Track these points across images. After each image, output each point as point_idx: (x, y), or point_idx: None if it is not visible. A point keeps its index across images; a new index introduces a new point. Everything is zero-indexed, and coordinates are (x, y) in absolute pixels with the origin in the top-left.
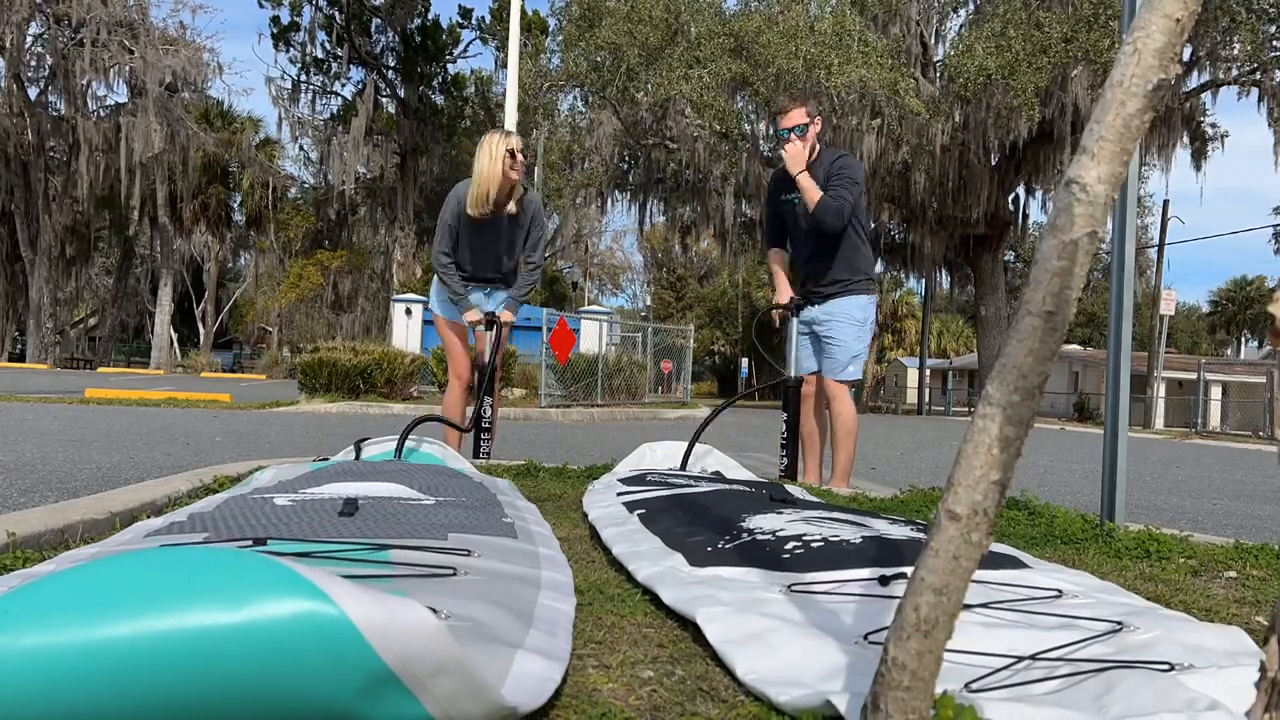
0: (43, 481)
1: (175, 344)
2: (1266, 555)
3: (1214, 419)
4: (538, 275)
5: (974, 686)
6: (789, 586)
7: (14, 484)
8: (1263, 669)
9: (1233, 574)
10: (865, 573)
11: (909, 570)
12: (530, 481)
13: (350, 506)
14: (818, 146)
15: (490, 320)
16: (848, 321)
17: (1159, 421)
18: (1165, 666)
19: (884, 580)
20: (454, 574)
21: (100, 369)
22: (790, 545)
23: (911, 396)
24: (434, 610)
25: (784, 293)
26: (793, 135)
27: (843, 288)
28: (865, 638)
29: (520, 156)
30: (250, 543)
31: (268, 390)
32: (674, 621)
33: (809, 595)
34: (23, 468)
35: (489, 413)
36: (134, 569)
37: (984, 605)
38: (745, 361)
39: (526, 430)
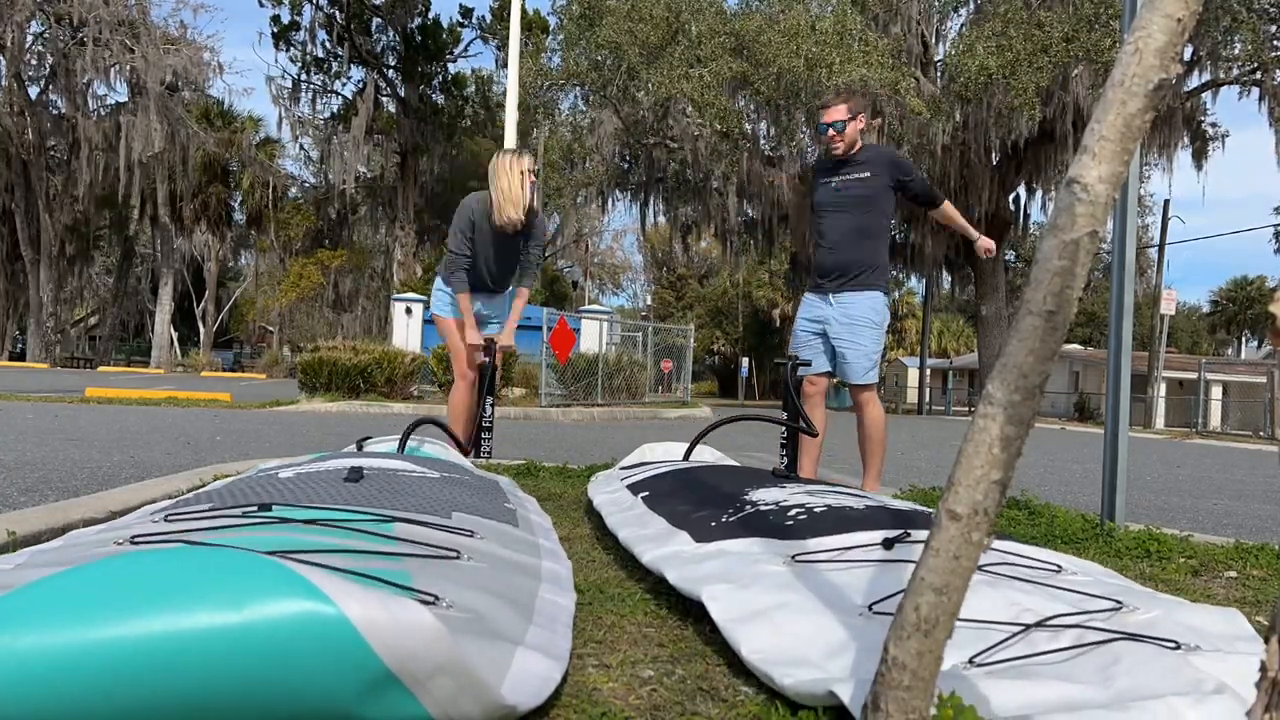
0: (43, 480)
1: (175, 343)
2: (1266, 555)
3: (1214, 419)
4: (529, 285)
5: (977, 660)
6: (793, 557)
7: (14, 483)
8: (1263, 669)
9: (1233, 574)
10: (869, 536)
11: (914, 533)
12: (530, 481)
13: (356, 473)
14: (859, 141)
15: (488, 346)
16: (866, 325)
17: (1159, 421)
18: (1172, 645)
19: (888, 543)
20: (458, 557)
21: (100, 368)
22: (793, 512)
23: (912, 396)
24: (437, 597)
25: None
26: (832, 130)
27: (863, 280)
28: (870, 608)
29: (533, 176)
30: (255, 508)
31: (268, 389)
32: (674, 620)
33: (812, 565)
34: (23, 466)
35: (489, 412)
36: (133, 569)
37: (986, 565)
38: (745, 361)
39: (526, 430)
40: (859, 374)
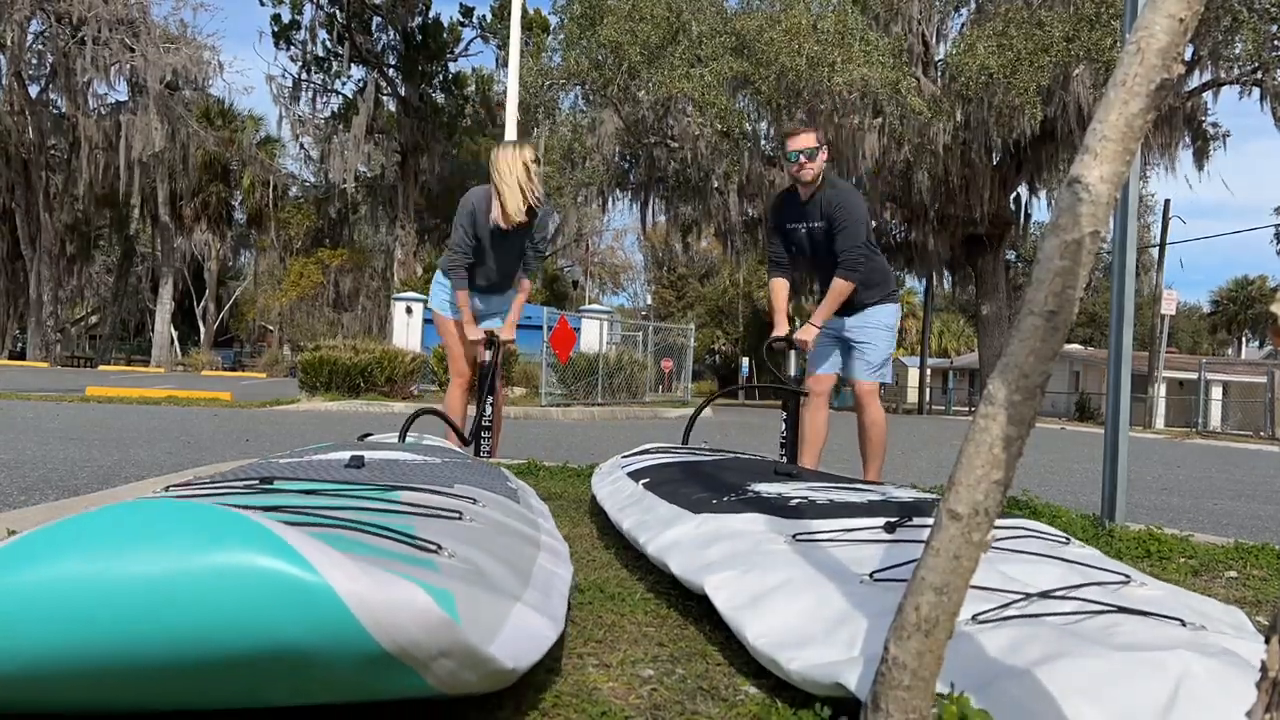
0: (43, 480)
1: (176, 342)
2: (1267, 555)
3: (1215, 419)
4: (530, 277)
5: (981, 617)
6: (794, 536)
7: (14, 482)
8: (1263, 669)
9: (1233, 574)
10: (871, 521)
11: (917, 519)
12: (530, 480)
13: (357, 460)
14: (822, 175)
15: (490, 340)
16: (879, 327)
17: (1159, 421)
18: (1176, 622)
19: (890, 527)
20: (459, 518)
21: (101, 367)
22: (795, 501)
23: (912, 396)
24: (439, 546)
25: (782, 325)
26: (802, 157)
27: (874, 299)
28: (870, 576)
29: (536, 166)
30: (257, 481)
31: (268, 389)
32: (675, 620)
33: (814, 543)
34: (23, 465)
35: (489, 411)
36: (107, 520)
37: (998, 541)
38: (746, 361)
39: (527, 429)
40: (867, 371)
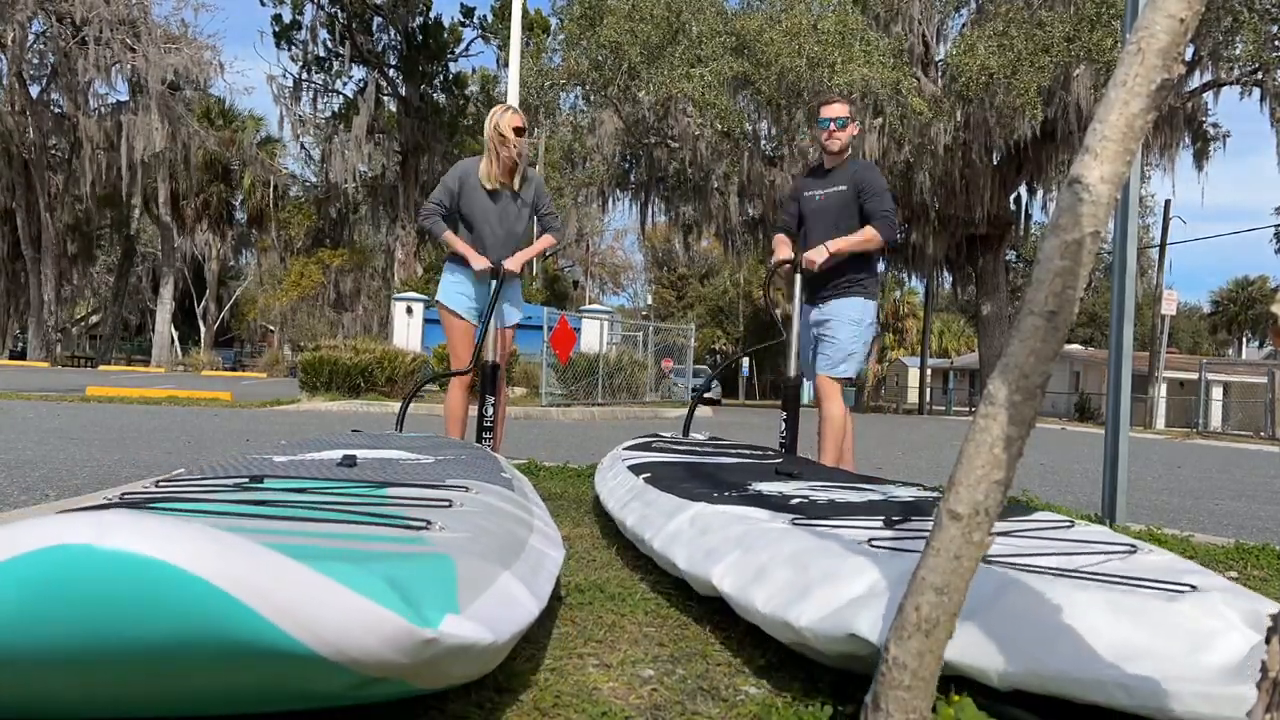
0: (44, 480)
1: (176, 342)
2: (1267, 555)
3: (1215, 419)
4: (554, 235)
5: (990, 559)
6: (793, 521)
7: (15, 482)
8: (1264, 669)
9: (1234, 574)
10: (871, 520)
11: (917, 518)
12: (530, 480)
13: (349, 460)
14: (849, 149)
15: (495, 270)
16: (845, 320)
17: (1160, 422)
18: (1188, 588)
19: (890, 524)
20: (449, 506)
21: (101, 367)
22: (795, 501)
23: (913, 396)
24: (429, 522)
25: (783, 254)
26: (832, 125)
27: (844, 290)
28: (869, 542)
29: (517, 133)
30: (247, 479)
31: (268, 389)
32: (675, 620)
33: (814, 526)
34: (23, 465)
35: (491, 411)
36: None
37: (1003, 534)
38: (746, 361)
39: (527, 429)
40: (826, 365)
